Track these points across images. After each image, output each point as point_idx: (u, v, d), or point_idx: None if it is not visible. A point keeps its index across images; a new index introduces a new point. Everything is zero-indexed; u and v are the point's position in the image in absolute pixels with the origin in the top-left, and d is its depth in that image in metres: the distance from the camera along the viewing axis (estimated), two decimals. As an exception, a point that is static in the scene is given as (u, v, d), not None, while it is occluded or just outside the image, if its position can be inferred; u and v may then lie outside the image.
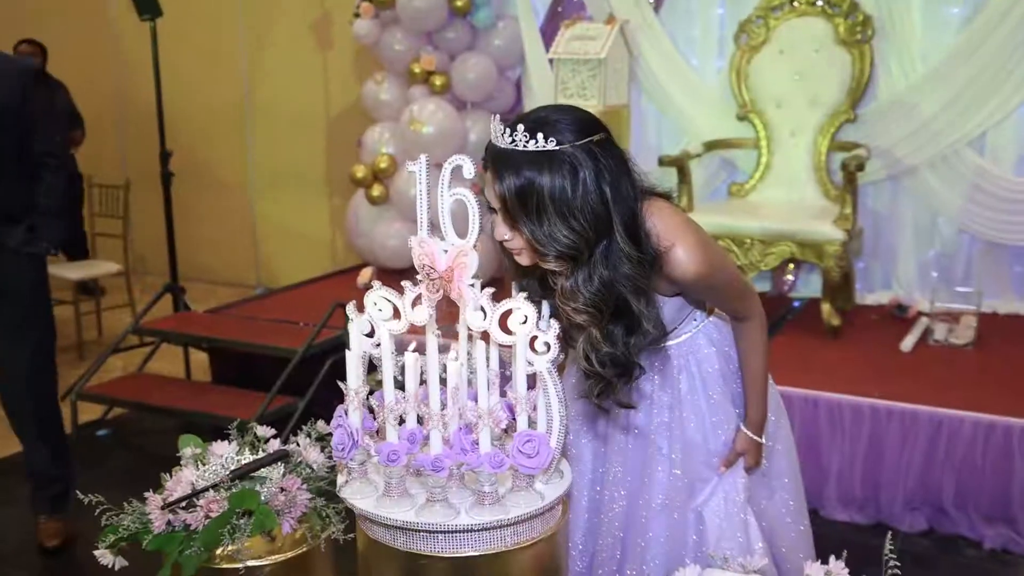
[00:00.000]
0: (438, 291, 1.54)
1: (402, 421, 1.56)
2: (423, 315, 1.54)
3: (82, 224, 5.72)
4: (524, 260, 1.62)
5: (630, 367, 1.66)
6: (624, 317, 1.62)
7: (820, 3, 4.45)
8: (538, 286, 1.72)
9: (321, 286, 5.34)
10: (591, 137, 1.52)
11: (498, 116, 1.58)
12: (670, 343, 1.86)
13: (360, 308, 1.59)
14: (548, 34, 5.01)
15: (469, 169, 1.49)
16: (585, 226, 1.51)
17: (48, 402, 3.19)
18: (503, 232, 1.58)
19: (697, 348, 1.88)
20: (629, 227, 1.56)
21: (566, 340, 1.67)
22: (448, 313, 1.62)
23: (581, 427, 1.98)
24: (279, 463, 1.74)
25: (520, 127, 1.50)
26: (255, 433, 1.82)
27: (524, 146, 1.49)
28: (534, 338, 1.48)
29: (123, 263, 5.54)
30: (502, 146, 1.52)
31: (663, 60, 4.82)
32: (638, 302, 1.61)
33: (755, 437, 1.90)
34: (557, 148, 1.49)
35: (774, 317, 4.29)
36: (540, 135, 1.49)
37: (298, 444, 1.80)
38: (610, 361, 1.63)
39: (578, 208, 1.50)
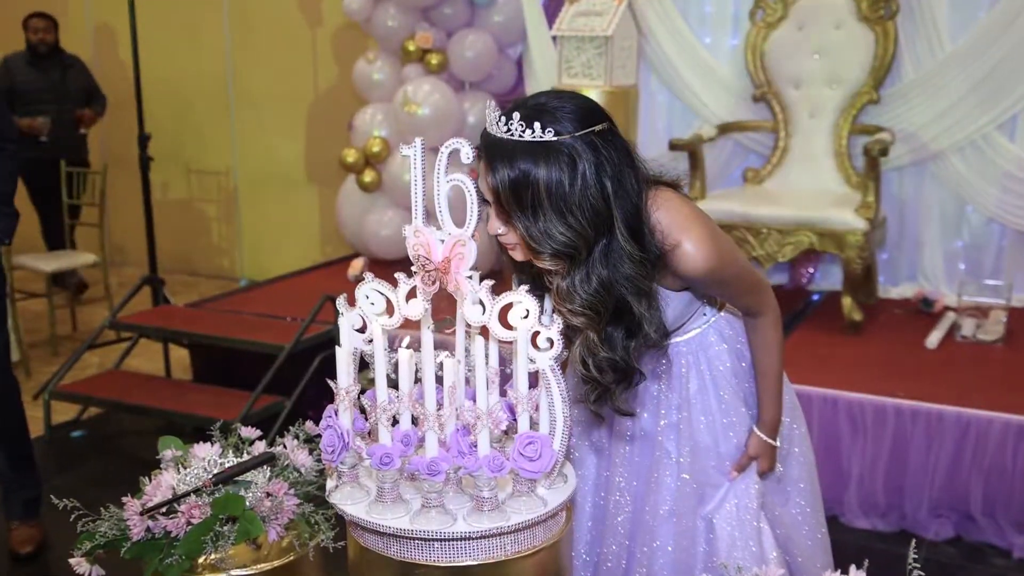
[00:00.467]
0: (434, 283, 1.54)
1: (396, 422, 1.56)
2: (418, 309, 1.54)
3: (62, 212, 5.70)
4: (518, 256, 1.61)
5: (630, 373, 1.65)
6: (624, 320, 1.61)
7: (841, -23, 4.45)
8: (535, 283, 1.70)
9: (309, 278, 5.34)
10: (592, 127, 1.51)
11: (494, 102, 1.58)
12: (678, 339, 1.86)
13: (351, 302, 1.60)
14: (551, 10, 5.01)
15: (467, 153, 1.49)
16: (583, 223, 1.51)
17: (14, 402, 3.18)
18: (496, 226, 1.57)
19: (707, 345, 1.88)
20: (631, 224, 1.55)
21: (566, 338, 1.67)
22: (445, 307, 1.62)
23: (584, 429, 1.98)
24: (265, 466, 1.74)
25: (516, 115, 1.49)
26: (239, 435, 1.83)
27: (520, 136, 1.49)
28: (536, 334, 1.48)
29: (99, 254, 5.54)
30: (497, 135, 1.51)
31: (674, 38, 4.81)
32: (639, 304, 1.59)
33: (769, 440, 1.90)
34: (555, 139, 1.48)
35: (791, 312, 4.30)
36: (537, 124, 1.48)
37: (285, 446, 1.80)
38: (608, 366, 1.63)
39: (576, 204, 1.49)
